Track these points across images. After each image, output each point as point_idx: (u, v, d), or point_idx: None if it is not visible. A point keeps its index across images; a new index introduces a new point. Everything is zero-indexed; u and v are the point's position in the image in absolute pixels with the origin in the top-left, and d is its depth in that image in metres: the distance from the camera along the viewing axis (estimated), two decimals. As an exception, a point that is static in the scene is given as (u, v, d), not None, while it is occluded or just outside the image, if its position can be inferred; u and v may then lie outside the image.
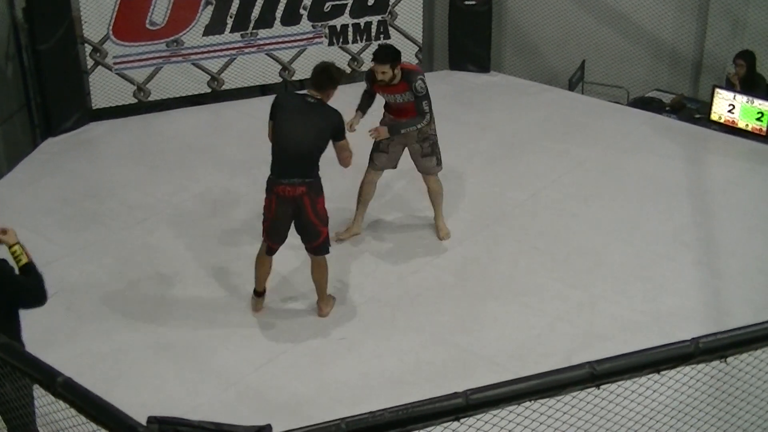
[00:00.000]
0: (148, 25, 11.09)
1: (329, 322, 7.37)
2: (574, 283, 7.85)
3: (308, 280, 7.63)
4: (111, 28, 10.94)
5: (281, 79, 11.97)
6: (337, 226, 8.39)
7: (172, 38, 11.26)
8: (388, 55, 7.88)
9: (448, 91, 11.21)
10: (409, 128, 7.97)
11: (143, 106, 11.39)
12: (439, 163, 8.27)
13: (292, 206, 7.08)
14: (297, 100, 7.30)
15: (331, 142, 7.16)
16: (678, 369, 4.13)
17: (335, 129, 7.11)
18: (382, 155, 8.31)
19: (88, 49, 10.96)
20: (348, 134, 7.31)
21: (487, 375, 6.62)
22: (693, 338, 4.07)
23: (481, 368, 6.79)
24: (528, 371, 4.17)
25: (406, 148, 8.24)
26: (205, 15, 11.31)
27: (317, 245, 7.27)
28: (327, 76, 7.17)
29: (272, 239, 7.31)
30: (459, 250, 8.35)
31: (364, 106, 8.27)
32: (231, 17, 11.44)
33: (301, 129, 7.06)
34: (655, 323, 7.27)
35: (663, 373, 4.08)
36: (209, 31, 11.40)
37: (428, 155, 8.20)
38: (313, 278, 7.43)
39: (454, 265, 8.17)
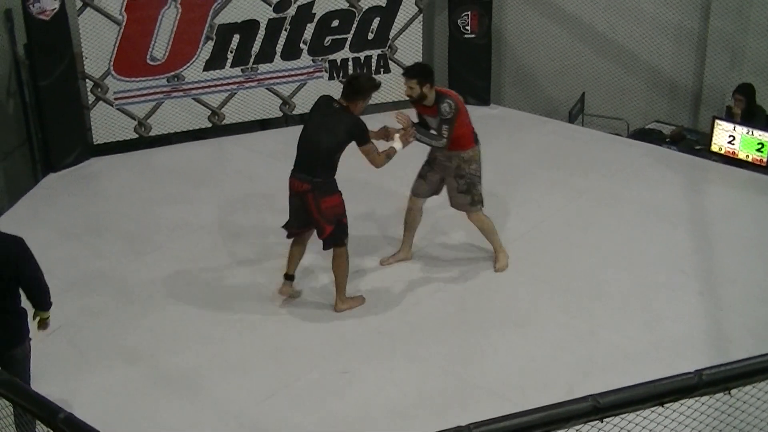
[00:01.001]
0: (148, 61, 11.13)
1: (331, 353, 7.33)
2: (575, 313, 7.83)
3: (310, 312, 7.68)
4: (112, 63, 10.98)
5: (282, 114, 12.00)
6: (375, 251, 8.66)
7: (173, 73, 11.29)
8: (414, 69, 8.01)
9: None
10: (424, 141, 7.90)
11: (144, 141, 11.40)
12: (474, 203, 8.15)
13: (299, 200, 7.56)
14: (327, 104, 7.67)
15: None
16: (682, 401, 4.10)
17: (350, 134, 7.43)
18: (421, 182, 8.35)
19: (89, 84, 11.00)
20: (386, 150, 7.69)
21: (488, 406, 6.57)
22: (696, 370, 4.03)
23: (482, 399, 6.75)
24: (529, 402, 4.14)
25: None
26: (206, 50, 11.35)
27: (324, 239, 7.65)
28: (353, 88, 7.55)
29: (288, 223, 7.78)
30: (460, 280, 8.34)
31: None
32: (231, 52, 11.48)
33: (316, 131, 7.50)
34: (656, 353, 7.24)
35: (666, 405, 4.05)
36: (210, 66, 11.44)
37: (463, 192, 8.13)
38: (332, 269, 7.82)
39: (455, 295, 8.15)
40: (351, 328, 7.68)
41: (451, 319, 7.85)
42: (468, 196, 8.14)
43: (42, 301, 6.05)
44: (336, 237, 7.63)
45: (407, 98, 8.03)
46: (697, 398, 4.15)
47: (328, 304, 7.95)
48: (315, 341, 7.50)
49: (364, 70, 12.07)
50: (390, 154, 7.68)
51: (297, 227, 7.78)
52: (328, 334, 7.60)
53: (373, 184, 9.49)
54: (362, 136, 7.47)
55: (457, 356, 7.34)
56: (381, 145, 7.72)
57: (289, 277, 8.00)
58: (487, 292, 8.21)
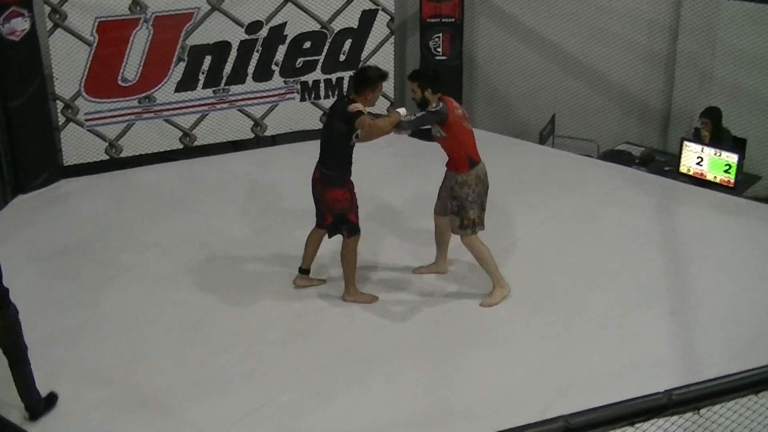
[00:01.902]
0: (120, 82, 11.14)
1: (305, 375, 7.35)
2: (550, 334, 7.89)
3: (284, 333, 7.75)
4: (83, 84, 10.98)
5: (253, 135, 12.03)
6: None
7: (144, 95, 11.31)
8: (415, 73, 8.13)
9: (420, 145, 11.29)
10: (397, 124, 7.88)
11: (115, 162, 11.40)
12: (463, 227, 8.13)
13: (313, 187, 8.21)
14: (338, 99, 8.27)
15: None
16: (652, 421, 4.16)
17: (343, 117, 7.79)
18: (438, 201, 8.45)
19: (60, 105, 11.00)
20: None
21: (464, 428, 6.66)
22: (666, 390, 4.10)
23: (458, 421, 6.80)
24: (505, 423, 4.19)
25: None
26: (177, 71, 11.38)
27: (326, 226, 8.26)
28: (359, 79, 7.91)
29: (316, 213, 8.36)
30: (434, 301, 8.38)
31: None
32: (203, 73, 11.51)
33: (324, 125, 8.19)
34: (630, 373, 7.30)
35: (637, 425, 4.11)
36: (181, 87, 11.46)
37: (454, 214, 8.16)
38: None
39: (430, 316, 8.20)
40: (324, 349, 7.71)
41: (426, 340, 7.89)
42: (457, 218, 8.15)
43: None
44: (337, 227, 8.16)
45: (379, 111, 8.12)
46: (667, 418, 4.21)
47: (301, 326, 8.00)
48: (289, 362, 7.53)
49: (336, 92, 12.13)
50: (393, 117, 7.84)
51: (318, 218, 8.35)
52: (302, 355, 7.63)
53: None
54: (353, 115, 7.74)
55: (432, 377, 7.38)
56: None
57: (303, 270, 8.57)
58: (461, 312, 8.26)
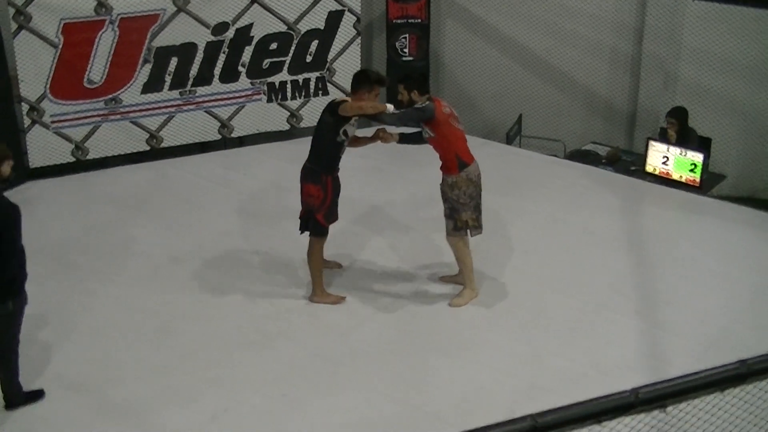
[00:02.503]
0: (86, 84, 11.10)
1: (272, 378, 7.34)
2: (516, 336, 7.91)
3: (251, 337, 7.71)
4: (48, 86, 10.93)
5: (220, 136, 12.01)
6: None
7: (110, 96, 11.27)
8: (404, 75, 8.22)
9: (386, 147, 11.27)
10: (381, 117, 7.93)
11: (81, 164, 11.35)
12: (457, 229, 8.12)
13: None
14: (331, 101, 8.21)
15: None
16: (619, 420, 4.19)
17: (330, 111, 7.91)
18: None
19: (25, 108, 10.94)
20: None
21: (432, 429, 6.65)
22: (633, 388, 4.12)
23: (425, 423, 6.80)
24: (473, 424, 4.19)
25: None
26: (144, 73, 11.35)
27: (299, 217, 8.25)
28: (357, 78, 8.05)
29: None
30: (401, 304, 8.39)
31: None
32: (169, 75, 11.48)
33: (318, 121, 8.10)
34: (597, 374, 7.34)
35: (604, 424, 4.13)
36: (147, 89, 11.43)
37: (447, 217, 8.15)
38: None
39: (397, 319, 8.19)
40: (291, 352, 7.69)
41: (394, 342, 7.88)
42: (451, 221, 8.14)
43: None
44: (306, 223, 8.16)
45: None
46: (633, 416, 4.24)
47: (268, 329, 7.98)
48: (256, 366, 7.50)
49: (303, 93, 12.13)
50: (379, 106, 7.87)
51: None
52: (269, 359, 7.60)
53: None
54: (338, 105, 7.86)
55: (399, 380, 7.37)
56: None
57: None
58: (430, 315, 8.25)
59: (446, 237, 8.29)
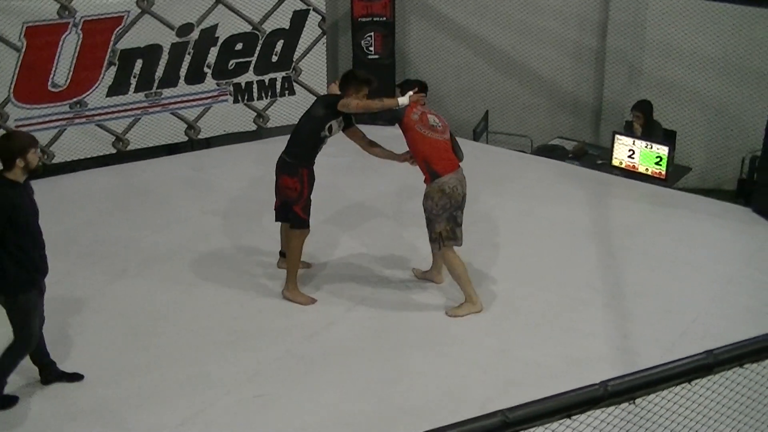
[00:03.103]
0: (50, 87, 11.03)
1: (245, 378, 7.34)
2: (488, 331, 7.95)
3: (224, 337, 7.72)
4: (12, 90, 10.85)
5: (187, 138, 11.98)
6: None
7: (75, 99, 11.21)
8: (405, 81, 8.35)
9: (352, 144, 11.31)
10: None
11: (48, 168, 11.17)
12: (432, 240, 8.06)
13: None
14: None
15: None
16: (589, 413, 4.23)
17: (326, 104, 8.05)
18: None
19: (-11, 112, 10.88)
20: None
21: (405, 426, 6.67)
22: (602, 381, 4.16)
23: (398, 420, 6.82)
24: (446, 420, 4.22)
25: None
26: (109, 75, 11.29)
27: (275, 208, 8.42)
28: (345, 77, 8.11)
29: None
30: (373, 301, 8.41)
31: None
32: (135, 77, 11.44)
33: (301, 116, 8.27)
34: (568, 367, 7.39)
35: (574, 417, 4.18)
36: (113, 91, 11.38)
37: (426, 225, 8.10)
38: None
39: (368, 317, 8.21)
40: (265, 351, 7.69)
41: (365, 340, 7.90)
42: (428, 230, 8.09)
43: None
44: (285, 214, 8.28)
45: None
46: (603, 409, 4.29)
47: (240, 329, 7.98)
48: (229, 366, 7.50)
49: (269, 93, 12.12)
50: (386, 102, 7.91)
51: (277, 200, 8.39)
52: (242, 358, 7.60)
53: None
54: (337, 99, 7.94)
55: (372, 377, 7.39)
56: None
57: (282, 253, 8.73)
58: (402, 312, 8.28)
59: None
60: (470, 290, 8.20)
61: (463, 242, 8.14)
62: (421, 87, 8.17)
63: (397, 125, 8.03)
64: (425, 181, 7.97)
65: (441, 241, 8.03)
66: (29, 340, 6.74)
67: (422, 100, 8.04)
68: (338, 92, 8.12)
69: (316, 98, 8.23)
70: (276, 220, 8.51)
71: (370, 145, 8.37)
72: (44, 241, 6.69)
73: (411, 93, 7.95)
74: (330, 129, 8.05)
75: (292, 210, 8.17)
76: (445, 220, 7.96)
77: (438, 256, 8.37)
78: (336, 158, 10.00)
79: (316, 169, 8.19)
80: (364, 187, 10.66)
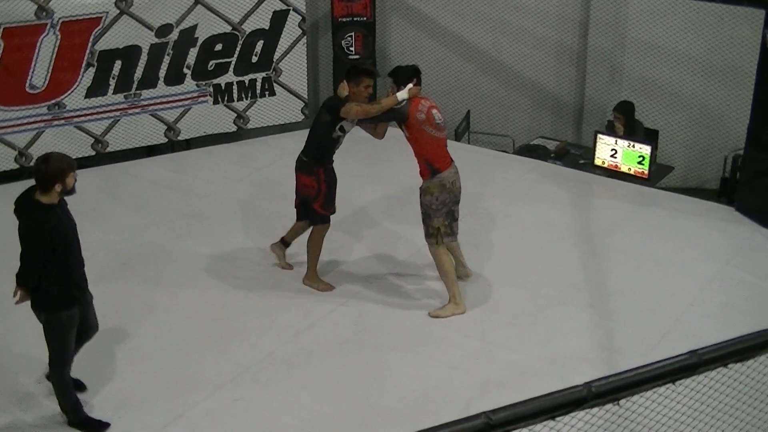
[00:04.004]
0: (27, 89, 10.93)
1: (225, 381, 7.29)
2: (469, 332, 7.93)
3: (203, 339, 7.67)
4: (-11, 92, 10.79)
5: (167, 140, 11.91)
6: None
7: (54, 101, 11.12)
8: (395, 68, 8.22)
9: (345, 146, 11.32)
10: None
11: (25, 171, 11.15)
12: (428, 235, 8.04)
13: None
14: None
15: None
16: (572, 414, 4.20)
17: (328, 108, 8.08)
18: None
19: (-34, 115, 10.79)
20: None
21: (387, 428, 6.66)
22: (586, 383, 4.14)
23: (380, 421, 6.81)
24: (427, 422, 4.19)
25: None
26: (87, 77, 11.21)
27: (295, 206, 8.58)
28: (346, 71, 8.15)
29: None
30: (354, 302, 8.38)
31: None
32: (113, 78, 11.36)
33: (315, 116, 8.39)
34: (550, 367, 7.39)
35: (558, 418, 4.14)
36: (91, 93, 11.29)
37: (422, 222, 8.09)
38: None
39: (350, 318, 8.19)
40: (244, 354, 7.65)
41: (346, 341, 7.88)
42: (424, 225, 8.09)
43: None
44: (305, 212, 8.47)
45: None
46: (587, 410, 4.26)
47: (220, 331, 7.93)
48: (208, 369, 7.46)
49: (249, 94, 12.07)
50: (385, 102, 7.91)
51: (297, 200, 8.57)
52: (221, 361, 7.56)
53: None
54: (339, 105, 7.96)
55: (353, 379, 7.37)
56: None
57: (283, 241, 8.82)
58: (381, 313, 8.26)
59: (428, 247, 8.21)
60: (455, 290, 8.18)
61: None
62: (417, 75, 8.02)
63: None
64: (422, 176, 7.98)
65: (439, 236, 8.03)
66: (65, 355, 6.66)
67: (419, 91, 7.95)
68: (346, 92, 8.08)
69: (326, 103, 8.24)
70: (297, 220, 8.65)
71: (379, 133, 8.45)
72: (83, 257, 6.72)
73: (410, 86, 7.86)
74: (342, 129, 8.10)
75: (312, 208, 8.37)
76: (443, 214, 7.99)
77: (456, 250, 8.41)
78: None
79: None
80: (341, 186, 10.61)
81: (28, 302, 6.58)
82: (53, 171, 6.31)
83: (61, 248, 6.37)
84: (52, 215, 6.37)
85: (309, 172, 8.24)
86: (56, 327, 6.55)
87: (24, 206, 6.44)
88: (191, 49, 11.67)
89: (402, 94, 7.84)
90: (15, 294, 6.60)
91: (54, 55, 10.96)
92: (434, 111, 7.99)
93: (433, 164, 7.92)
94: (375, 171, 10.93)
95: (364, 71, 8.07)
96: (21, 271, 6.48)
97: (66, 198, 6.59)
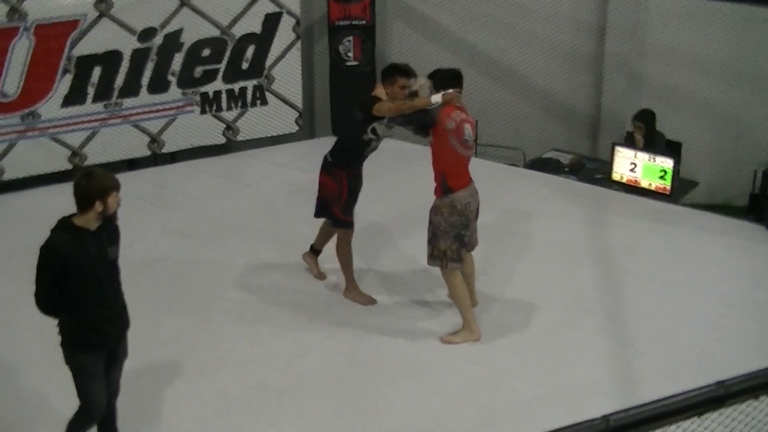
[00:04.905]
0: (-1, 98, 10.97)
1: (214, 412, 7.25)
2: (473, 359, 7.89)
3: (190, 367, 7.66)
4: (-42, 100, 10.79)
5: (150, 152, 11.89)
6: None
7: (27, 111, 11.13)
8: (435, 71, 8.12)
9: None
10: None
11: (-1, 185, 11.20)
12: (432, 258, 7.99)
13: None
14: None
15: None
16: (589, 450, 4.16)
17: (360, 107, 8.11)
18: None
19: (-66, 125, 10.78)
20: None
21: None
22: (604, 416, 4.09)
23: (377, 457, 6.77)
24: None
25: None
26: (64, 84, 11.21)
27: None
28: (382, 72, 8.24)
29: None
30: (349, 329, 8.35)
31: None
32: (92, 86, 11.36)
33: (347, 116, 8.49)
34: (559, 398, 7.34)
35: (572, 455, 4.10)
36: (68, 101, 11.30)
37: (428, 241, 8.03)
38: None
39: (345, 345, 8.16)
40: (233, 383, 7.61)
41: (341, 369, 7.84)
42: (429, 246, 8.03)
43: None
44: (324, 212, 8.60)
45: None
46: (604, 446, 4.21)
47: (208, 358, 7.89)
48: (195, 398, 7.42)
49: (239, 104, 12.07)
50: (418, 102, 7.87)
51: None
52: (209, 391, 7.52)
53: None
54: (371, 101, 8.02)
55: (348, 410, 7.32)
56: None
57: (313, 249, 9.05)
58: (377, 339, 8.22)
59: (440, 270, 8.16)
60: (469, 316, 8.15)
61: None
62: (457, 80, 7.93)
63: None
64: (435, 193, 7.95)
65: (444, 260, 7.98)
66: (87, 406, 6.41)
67: (458, 99, 7.87)
68: (383, 93, 8.12)
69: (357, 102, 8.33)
70: (315, 216, 8.76)
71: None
72: (120, 298, 6.54)
73: (450, 91, 7.78)
74: (375, 131, 8.17)
75: (331, 210, 8.52)
76: (451, 238, 7.93)
77: (470, 276, 8.38)
78: (302, 172, 9.97)
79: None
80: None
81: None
82: (95, 187, 6.10)
83: (78, 280, 6.11)
84: (75, 239, 6.12)
85: (329, 172, 8.40)
86: (72, 369, 6.32)
87: (57, 223, 6.27)
88: (176, 55, 11.68)
89: (436, 98, 7.75)
90: None
91: (28, 61, 10.97)
92: (466, 125, 7.86)
93: (448, 181, 7.86)
94: (377, 186, 10.89)
95: (398, 70, 8.12)
96: (35, 292, 6.28)
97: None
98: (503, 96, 12.85)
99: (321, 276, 9.06)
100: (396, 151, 11.94)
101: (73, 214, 6.18)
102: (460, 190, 7.88)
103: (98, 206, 6.10)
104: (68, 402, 6.54)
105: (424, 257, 8.25)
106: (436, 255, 8.00)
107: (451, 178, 7.86)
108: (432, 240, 8.00)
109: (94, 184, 6.10)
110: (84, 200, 6.10)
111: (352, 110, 8.27)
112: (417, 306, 8.67)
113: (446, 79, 7.88)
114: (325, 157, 8.46)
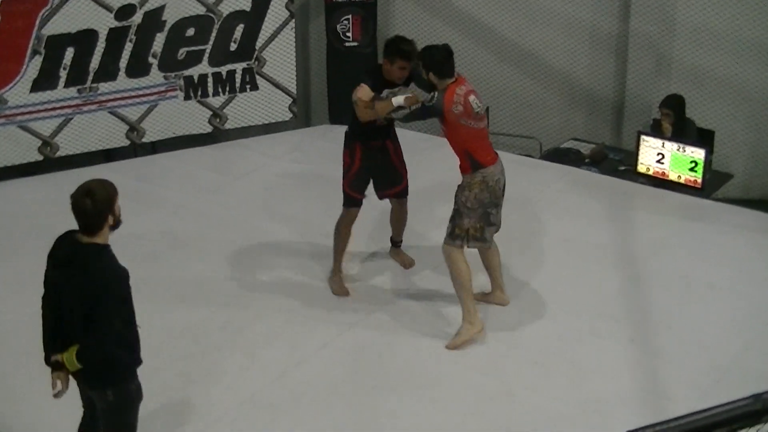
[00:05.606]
0: (-39, 82, 11.00)
1: (196, 429, 7.27)
2: (486, 370, 7.91)
3: (176, 380, 7.67)
4: None
5: (129, 142, 11.91)
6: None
7: (-7, 97, 11.17)
8: (426, 48, 8.38)
9: (328, 148, 11.23)
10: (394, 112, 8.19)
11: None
12: (453, 236, 8.06)
13: None
14: None
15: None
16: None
17: (370, 71, 8.52)
18: None
19: None
20: None
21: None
22: (630, 431, 4.11)
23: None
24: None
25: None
26: (33, 67, 11.24)
27: None
28: (386, 45, 8.58)
29: None
30: (350, 335, 8.36)
31: None
32: (65, 69, 11.38)
33: None
34: (582, 413, 7.35)
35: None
36: (38, 86, 11.32)
37: (450, 219, 8.14)
38: None
39: (345, 354, 8.18)
40: (220, 399, 7.62)
41: (340, 382, 7.85)
42: (450, 224, 8.11)
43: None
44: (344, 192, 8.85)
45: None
46: (633, 465, 4.22)
47: (193, 371, 7.90)
48: (179, 414, 7.43)
49: (227, 88, 12.08)
50: (380, 106, 8.18)
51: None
52: (194, 404, 7.54)
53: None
54: (379, 67, 8.52)
55: (348, 427, 7.34)
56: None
57: (393, 242, 9.42)
58: (380, 348, 8.23)
59: (442, 247, 8.20)
60: (470, 305, 8.15)
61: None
62: (449, 59, 8.12)
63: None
64: (463, 171, 8.04)
65: (467, 239, 8.07)
66: None
67: (416, 99, 8.04)
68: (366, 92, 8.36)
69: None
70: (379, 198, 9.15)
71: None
72: None
73: (408, 95, 8.08)
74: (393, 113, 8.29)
75: (344, 188, 8.81)
76: (478, 216, 8.04)
77: (496, 270, 8.55)
78: (295, 164, 9.99)
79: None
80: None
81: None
82: (103, 201, 6.13)
83: (130, 300, 6.13)
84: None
85: (347, 144, 8.74)
86: (124, 405, 6.22)
87: (78, 256, 6.19)
88: (158, 35, 11.71)
89: (398, 100, 8.03)
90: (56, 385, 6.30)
91: (-7, 42, 11.00)
92: (471, 97, 7.97)
93: (476, 158, 7.97)
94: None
95: (399, 52, 8.33)
96: (98, 339, 6.06)
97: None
98: (517, 79, 12.87)
99: (410, 263, 9.34)
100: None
101: (78, 237, 6.22)
102: (490, 165, 8.04)
103: (110, 219, 6.16)
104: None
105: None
106: (457, 234, 8.06)
107: (479, 154, 7.99)
108: (455, 217, 8.07)
109: (99, 196, 6.13)
110: (96, 220, 6.13)
111: (359, 77, 8.42)
112: (423, 310, 8.68)
113: (439, 58, 8.04)
114: (345, 131, 8.76)
